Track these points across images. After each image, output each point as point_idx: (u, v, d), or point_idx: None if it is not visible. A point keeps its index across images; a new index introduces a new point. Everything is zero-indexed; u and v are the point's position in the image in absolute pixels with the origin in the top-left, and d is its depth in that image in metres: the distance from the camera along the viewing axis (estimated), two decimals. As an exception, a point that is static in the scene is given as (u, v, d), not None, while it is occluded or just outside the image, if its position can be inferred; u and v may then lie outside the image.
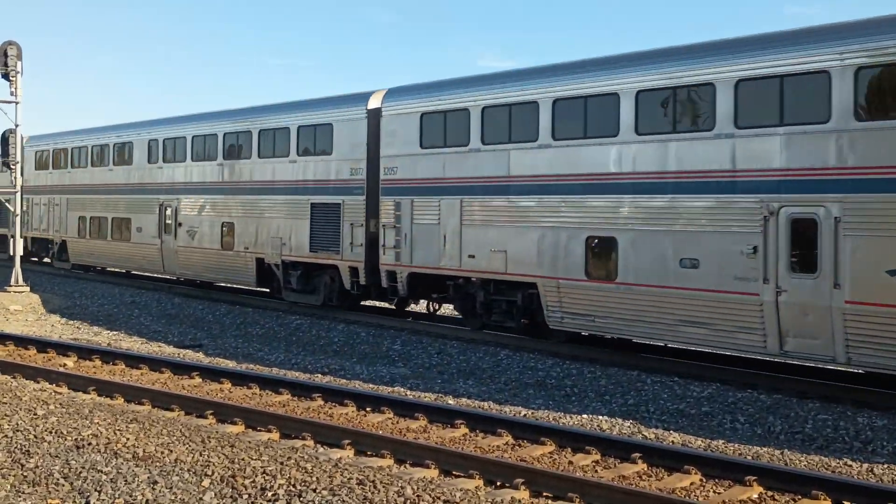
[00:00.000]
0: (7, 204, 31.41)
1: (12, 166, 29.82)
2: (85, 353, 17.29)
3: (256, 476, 9.09)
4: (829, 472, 10.29)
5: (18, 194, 30.10)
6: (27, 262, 35.87)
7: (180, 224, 28.14)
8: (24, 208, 34.16)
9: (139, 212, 30.32)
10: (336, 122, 22.58)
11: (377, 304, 23.98)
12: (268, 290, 26.09)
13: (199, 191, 27.58)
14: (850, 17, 14.85)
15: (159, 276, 31.35)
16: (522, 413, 13.03)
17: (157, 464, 9.59)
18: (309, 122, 23.55)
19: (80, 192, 34.28)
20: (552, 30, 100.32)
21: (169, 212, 28.77)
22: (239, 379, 14.88)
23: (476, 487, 9.40)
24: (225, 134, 26.53)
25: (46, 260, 38.69)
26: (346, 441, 10.91)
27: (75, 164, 34.85)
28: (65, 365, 16.51)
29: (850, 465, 10.55)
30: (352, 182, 22.02)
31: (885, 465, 10.61)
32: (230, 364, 17.11)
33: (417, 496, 8.49)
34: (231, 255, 25.97)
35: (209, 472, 9.24)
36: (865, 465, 10.56)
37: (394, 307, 23.11)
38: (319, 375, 16.04)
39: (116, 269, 34.53)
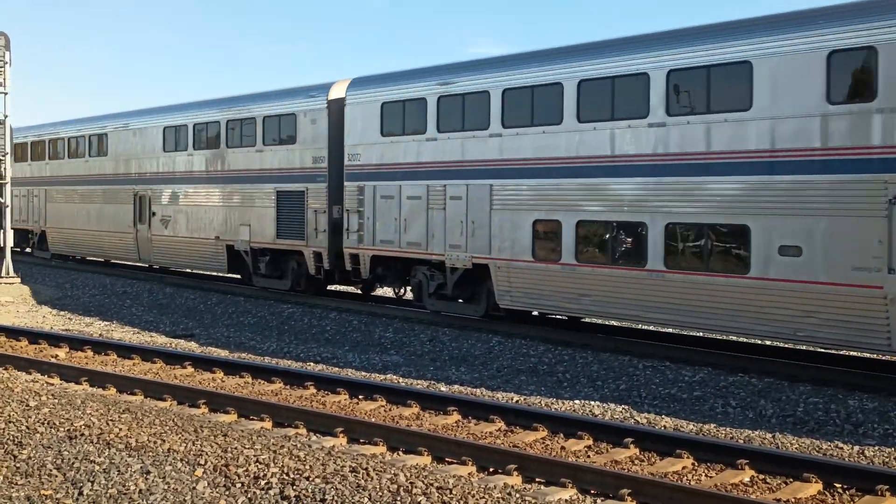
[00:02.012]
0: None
1: (1, 157, 29.67)
2: (76, 343, 17.26)
3: (249, 465, 9.09)
4: (821, 454, 10.33)
5: (8, 185, 29.94)
6: (360, 302, 23.43)
7: None
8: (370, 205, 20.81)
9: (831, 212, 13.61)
10: None
11: None
12: None
13: None
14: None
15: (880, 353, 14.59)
16: (515, 399, 13.06)
17: (150, 454, 9.58)
18: None
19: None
20: (545, 15, 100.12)
21: None
22: (231, 368, 14.87)
23: (469, 474, 9.43)
24: None
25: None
26: (339, 429, 10.92)
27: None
28: (56, 356, 16.48)
29: (841, 448, 10.60)
30: None
31: (876, 447, 10.67)
32: (222, 353, 17.10)
33: (410, 483, 8.50)
34: None
35: (202, 462, 9.24)
36: (856, 448, 10.62)
37: None
38: (312, 364, 16.04)
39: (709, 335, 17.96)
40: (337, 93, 22.52)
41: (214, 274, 28.11)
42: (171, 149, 28.27)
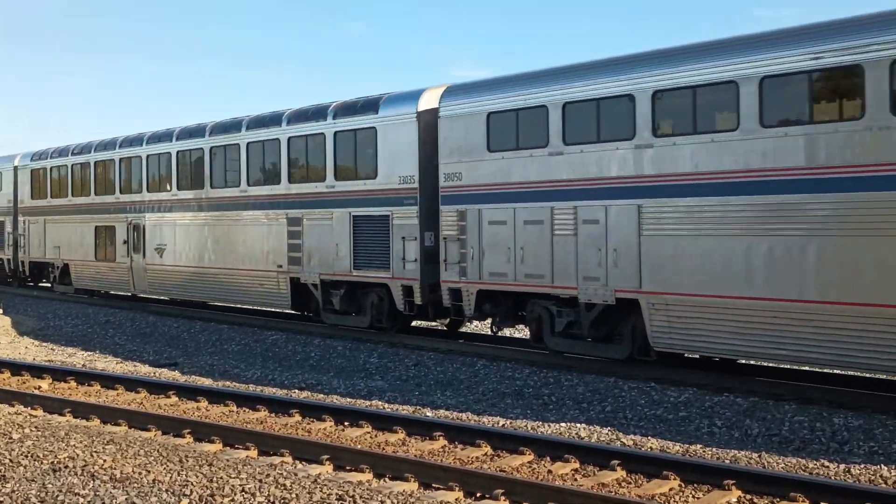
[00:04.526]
0: None
1: None
2: (60, 374, 17.13)
3: (235, 494, 9.04)
4: (807, 473, 10.36)
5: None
6: None
7: None
8: None
9: None
10: None
11: None
12: None
13: None
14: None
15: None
16: (501, 423, 13.04)
17: (135, 485, 9.52)
18: None
19: None
20: (527, 37, 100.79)
21: None
22: (215, 396, 14.80)
23: (456, 499, 9.41)
24: None
25: None
26: (325, 456, 10.87)
27: None
28: (39, 387, 16.35)
29: (828, 466, 10.63)
30: None
31: (862, 465, 10.70)
32: (206, 382, 17.02)
33: (398, 510, 8.47)
34: None
35: (188, 492, 9.18)
36: (842, 466, 10.64)
37: None
38: (297, 391, 15.98)
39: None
40: None
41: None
42: None
